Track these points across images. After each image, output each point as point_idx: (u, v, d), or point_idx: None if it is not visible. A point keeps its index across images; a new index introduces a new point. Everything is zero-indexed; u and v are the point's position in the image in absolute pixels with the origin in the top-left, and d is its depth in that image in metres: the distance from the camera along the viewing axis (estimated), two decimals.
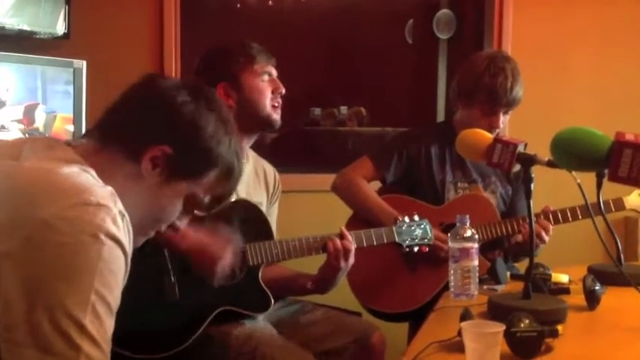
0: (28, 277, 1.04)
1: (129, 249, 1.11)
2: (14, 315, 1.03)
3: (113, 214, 1.08)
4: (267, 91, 2.16)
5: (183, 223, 1.35)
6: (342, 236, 2.13)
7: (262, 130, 2.24)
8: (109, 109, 1.29)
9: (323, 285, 2.20)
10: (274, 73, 2.20)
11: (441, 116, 3.99)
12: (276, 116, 2.18)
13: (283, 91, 2.19)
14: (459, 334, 1.38)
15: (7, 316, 1.04)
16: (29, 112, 2.88)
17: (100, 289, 1.05)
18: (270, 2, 4.23)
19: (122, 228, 1.10)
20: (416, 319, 2.38)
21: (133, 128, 1.25)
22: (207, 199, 1.31)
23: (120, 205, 1.11)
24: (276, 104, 2.19)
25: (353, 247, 2.12)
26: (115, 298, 1.08)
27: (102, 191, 1.11)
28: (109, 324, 1.08)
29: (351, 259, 2.13)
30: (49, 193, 1.08)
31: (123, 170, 1.23)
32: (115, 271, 1.07)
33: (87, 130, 1.32)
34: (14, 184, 1.12)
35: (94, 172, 1.18)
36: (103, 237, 1.06)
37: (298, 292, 2.25)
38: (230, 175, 1.31)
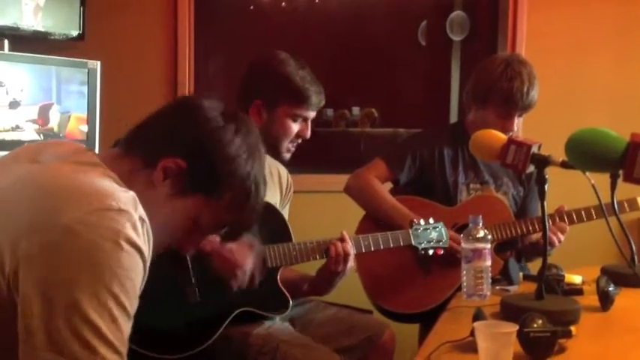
0: (47, 281, 1.04)
1: (148, 255, 1.12)
2: (32, 318, 1.04)
3: (134, 220, 1.09)
4: (292, 133, 2.17)
5: (204, 241, 1.33)
6: (342, 240, 2.11)
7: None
8: (141, 121, 1.29)
9: (321, 288, 2.19)
10: (311, 116, 2.20)
11: (453, 118, 3.98)
12: (286, 156, 2.21)
13: (307, 137, 2.20)
14: (472, 334, 1.38)
15: (25, 318, 1.05)
16: (44, 112, 2.90)
17: (118, 295, 1.06)
18: (283, 4, 4.24)
19: (142, 234, 1.10)
20: (426, 321, 2.37)
21: (155, 137, 1.25)
22: (221, 223, 1.29)
23: (141, 211, 1.12)
24: (292, 147, 2.20)
25: (352, 251, 2.12)
26: (132, 304, 1.09)
27: (124, 196, 1.11)
28: (126, 329, 1.08)
29: (350, 263, 2.12)
30: (71, 197, 1.09)
31: (140, 176, 1.23)
32: (133, 277, 1.08)
33: (116, 140, 1.32)
34: (37, 187, 1.13)
35: (116, 176, 1.18)
36: (122, 243, 1.06)
37: (295, 294, 2.21)
38: (245, 201, 1.28)
